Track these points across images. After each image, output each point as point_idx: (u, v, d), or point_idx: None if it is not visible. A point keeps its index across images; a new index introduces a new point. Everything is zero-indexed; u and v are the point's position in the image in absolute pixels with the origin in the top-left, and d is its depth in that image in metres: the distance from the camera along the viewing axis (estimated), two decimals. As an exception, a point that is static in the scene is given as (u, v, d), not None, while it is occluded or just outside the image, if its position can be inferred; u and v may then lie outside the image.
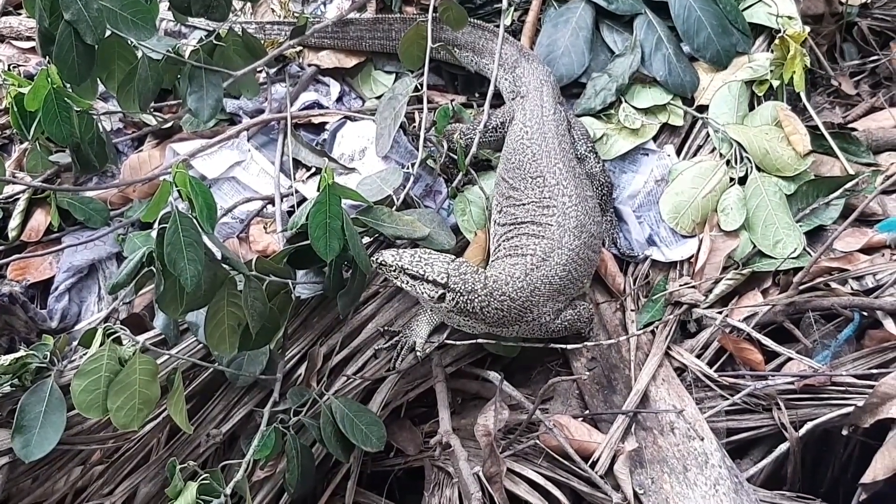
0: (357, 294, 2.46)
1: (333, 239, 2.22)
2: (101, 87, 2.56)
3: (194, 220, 2.00)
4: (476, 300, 2.32)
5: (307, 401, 2.41)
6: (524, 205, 2.55)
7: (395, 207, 2.58)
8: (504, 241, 2.56)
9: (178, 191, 2.02)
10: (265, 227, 2.79)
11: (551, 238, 2.45)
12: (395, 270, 2.32)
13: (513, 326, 2.42)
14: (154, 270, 2.04)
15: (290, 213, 2.74)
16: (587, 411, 2.53)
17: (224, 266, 2.13)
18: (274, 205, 2.79)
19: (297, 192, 2.81)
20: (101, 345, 2.05)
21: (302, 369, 2.52)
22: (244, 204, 2.85)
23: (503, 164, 2.72)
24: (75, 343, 2.30)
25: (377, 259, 2.32)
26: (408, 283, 2.32)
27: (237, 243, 2.76)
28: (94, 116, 2.64)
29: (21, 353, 2.19)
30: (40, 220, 2.86)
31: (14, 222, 2.83)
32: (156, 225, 1.99)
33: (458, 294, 2.30)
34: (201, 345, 2.40)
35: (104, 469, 2.42)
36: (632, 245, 2.81)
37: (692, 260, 2.74)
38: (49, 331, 2.62)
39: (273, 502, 2.50)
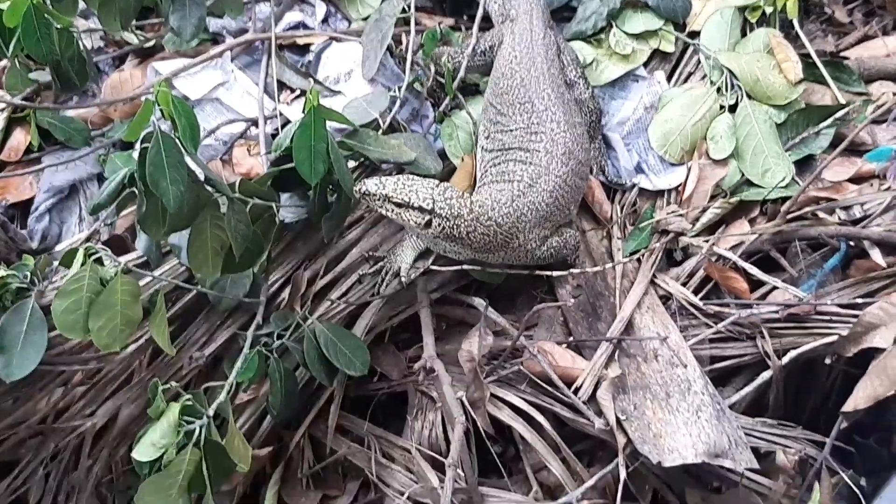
0: (342, 218, 2.44)
1: (318, 162, 2.19)
2: (81, 4, 2.51)
3: (177, 141, 1.97)
4: (462, 225, 2.29)
5: (291, 325, 2.39)
6: (511, 131, 2.52)
7: (381, 131, 2.55)
8: (491, 166, 2.53)
9: (161, 110, 1.97)
10: (249, 150, 2.76)
11: (538, 164, 2.42)
12: (379, 199, 2.27)
13: (498, 253, 2.40)
14: (136, 192, 2.01)
15: (273, 136, 2.70)
16: (571, 338, 2.53)
17: (207, 188, 2.09)
18: (257, 127, 2.75)
19: (281, 114, 2.77)
20: (82, 265, 2.02)
21: (286, 293, 2.50)
22: (227, 126, 2.81)
23: (491, 90, 2.68)
24: (56, 264, 2.28)
25: (360, 189, 2.27)
26: (393, 211, 2.27)
27: (220, 166, 2.72)
28: (75, 34, 2.55)
29: (1, 273, 2.16)
30: (20, 139, 2.81)
31: (-7, 142, 2.79)
32: (138, 145, 1.95)
33: (444, 219, 2.27)
34: (184, 267, 2.37)
35: (86, 390, 2.42)
36: (620, 172, 2.79)
37: (680, 189, 2.73)
38: (29, 251, 2.60)
39: (256, 425, 2.51)
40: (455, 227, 2.29)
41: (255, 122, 2.79)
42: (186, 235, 2.12)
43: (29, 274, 2.19)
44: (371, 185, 2.26)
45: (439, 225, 2.28)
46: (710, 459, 2.24)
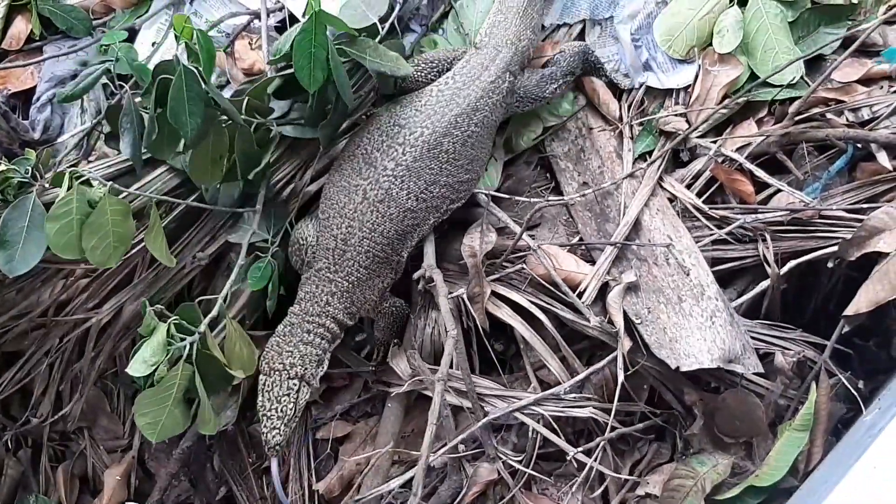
0: (338, 125, 2.43)
1: (318, 69, 2.17)
2: None
3: (199, 75, 2.00)
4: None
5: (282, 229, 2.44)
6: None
7: (378, 37, 2.50)
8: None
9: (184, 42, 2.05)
10: (250, 44, 2.72)
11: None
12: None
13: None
14: (143, 114, 2.08)
15: (277, 30, 2.67)
16: (574, 241, 2.52)
17: (217, 112, 2.12)
18: (260, 20, 2.70)
19: (284, 7, 2.72)
20: (69, 188, 2.01)
21: (285, 195, 2.51)
22: (230, 18, 2.75)
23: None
24: (60, 157, 2.27)
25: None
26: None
27: (223, 58, 2.68)
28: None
29: (2, 167, 2.14)
30: (21, 27, 2.79)
31: (-6, 30, 2.75)
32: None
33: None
34: (172, 174, 2.36)
35: (87, 283, 2.43)
36: (627, 69, 2.73)
37: (689, 89, 2.68)
38: (31, 142, 2.60)
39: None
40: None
41: (257, 15, 2.74)
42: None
43: (30, 168, 2.17)
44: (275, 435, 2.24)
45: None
46: (724, 364, 2.26)
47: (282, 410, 2.21)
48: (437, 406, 2.17)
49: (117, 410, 2.73)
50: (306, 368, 2.26)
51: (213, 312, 2.11)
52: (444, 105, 2.42)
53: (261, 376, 2.27)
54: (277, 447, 2.20)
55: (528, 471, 2.38)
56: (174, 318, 2.03)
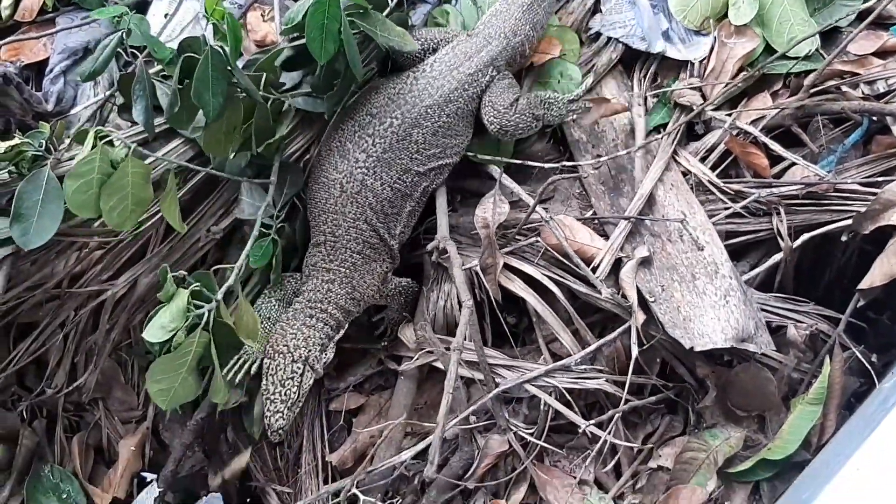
0: (343, 94, 2.42)
1: (329, 41, 2.17)
2: None
3: (224, 56, 2.03)
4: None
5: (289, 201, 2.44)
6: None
7: (387, 11, 2.48)
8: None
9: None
10: (262, 15, 2.71)
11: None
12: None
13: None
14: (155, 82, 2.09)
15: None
16: (588, 214, 2.52)
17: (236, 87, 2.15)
18: (273, -10, 2.69)
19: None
20: (92, 147, 2.01)
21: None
22: (244, -12, 2.75)
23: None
24: (73, 129, 2.27)
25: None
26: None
27: (237, 29, 2.68)
28: None
29: (16, 140, 2.13)
30: (34, -1, 2.78)
31: (7, 1, 2.75)
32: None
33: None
34: (187, 146, 2.36)
35: (102, 255, 2.43)
36: (644, 33, 2.69)
37: (704, 61, 2.66)
38: (45, 113, 2.59)
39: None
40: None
41: (270, -14, 2.73)
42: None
43: (44, 141, 2.17)
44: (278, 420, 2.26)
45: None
46: (737, 344, 2.26)
47: (285, 394, 2.23)
48: (452, 374, 2.18)
49: (131, 382, 2.74)
50: (310, 351, 2.28)
51: (230, 281, 2.13)
52: (417, 95, 2.41)
53: (265, 360, 2.29)
54: (280, 431, 2.23)
55: (540, 443, 2.39)
56: (194, 284, 2.04)
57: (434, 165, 2.45)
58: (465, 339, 2.28)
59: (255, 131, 2.25)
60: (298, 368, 2.26)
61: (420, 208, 2.52)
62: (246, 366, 2.37)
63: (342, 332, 2.43)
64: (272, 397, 2.24)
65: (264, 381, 2.26)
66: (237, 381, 2.36)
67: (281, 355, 2.27)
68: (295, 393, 2.24)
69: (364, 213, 2.37)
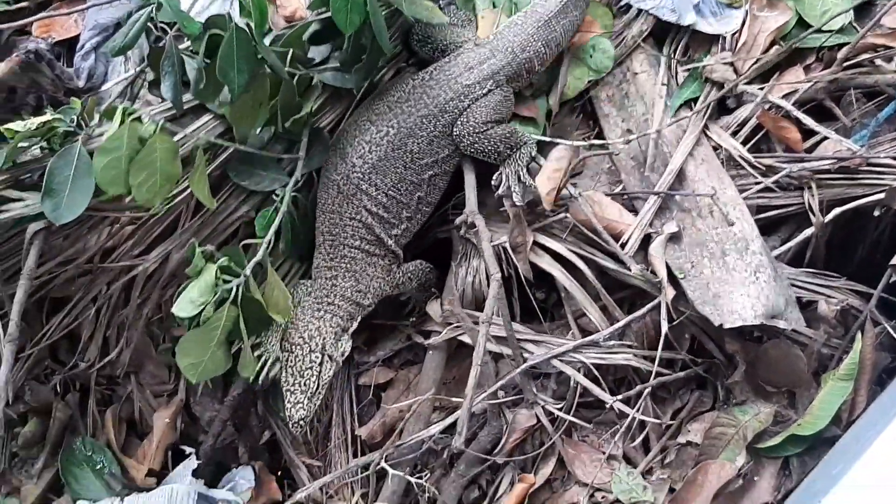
0: (370, 69, 2.42)
1: (354, 13, 2.16)
2: None
3: (250, 34, 2.04)
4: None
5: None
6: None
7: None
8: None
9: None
10: (291, -9, 2.71)
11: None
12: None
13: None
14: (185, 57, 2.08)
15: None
16: (617, 190, 2.50)
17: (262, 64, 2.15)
18: (302, -34, 2.69)
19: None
20: (121, 124, 2.03)
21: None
22: (273, -35, 2.74)
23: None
24: (104, 105, 2.28)
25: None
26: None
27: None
28: None
29: (48, 116, 2.15)
30: (65, -25, 2.79)
31: (38, -22, 2.76)
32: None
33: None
34: (217, 122, 2.36)
35: (133, 230, 2.45)
36: (674, 6, 2.64)
37: (735, 35, 2.63)
38: (76, 90, 2.61)
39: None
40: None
41: (299, -38, 2.72)
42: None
43: (76, 118, 2.17)
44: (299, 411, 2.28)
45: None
46: (767, 321, 2.24)
47: (304, 384, 2.26)
48: (481, 347, 2.19)
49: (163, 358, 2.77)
50: (325, 339, 2.30)
51: (259, 256, 2.14)
52: (413, 104, 2.40)
53: (282, 353, 2.31)
54: (301, 422, 2.25)
55: (569, 417, 2.39)
56: (222, 259, 2.05)
57: (429, 175, 2.45)
58: (493, 313, 2.28)
59: (280, 107, 2.26)
60: (317, 358, 2.28)
61: (420, 215, 2.52)
62: (266, 368, 2.40)
63: (355, 324, 2.44)
64: (292, 388, 2.26)
65: (283, 374, 2.29)
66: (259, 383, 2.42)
67: (298, 347, 2.29)
68: (314, 383, 2.26)
69: (360, 214, 2.40)
